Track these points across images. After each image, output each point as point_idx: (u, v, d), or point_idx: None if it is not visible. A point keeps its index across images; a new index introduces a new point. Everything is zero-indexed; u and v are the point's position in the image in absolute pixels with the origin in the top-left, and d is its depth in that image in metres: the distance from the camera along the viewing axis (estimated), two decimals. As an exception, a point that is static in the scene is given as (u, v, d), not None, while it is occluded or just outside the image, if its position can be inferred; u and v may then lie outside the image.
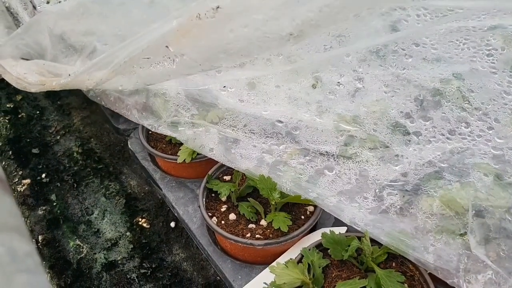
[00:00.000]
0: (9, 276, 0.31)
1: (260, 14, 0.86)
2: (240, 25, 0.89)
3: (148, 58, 1.06)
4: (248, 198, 1.12)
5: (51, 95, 2.06)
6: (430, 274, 0.90)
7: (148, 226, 1.40)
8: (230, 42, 0.93)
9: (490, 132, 1.04)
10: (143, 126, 1.35)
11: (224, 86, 1.22)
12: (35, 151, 1.75)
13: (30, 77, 1.39)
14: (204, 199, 1.15)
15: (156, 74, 1.10)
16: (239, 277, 1.07)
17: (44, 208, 1.51)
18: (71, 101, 2.01)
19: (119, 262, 1.30)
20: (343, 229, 1.08)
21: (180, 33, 0.96)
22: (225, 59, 0.96)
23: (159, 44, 1.03)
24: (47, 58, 1.58)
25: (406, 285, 0.89)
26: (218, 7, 0.87)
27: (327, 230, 1.00)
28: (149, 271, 1.26)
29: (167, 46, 1.00)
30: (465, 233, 0.90)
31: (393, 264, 0.96)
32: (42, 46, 1.60)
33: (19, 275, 0.31)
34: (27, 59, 1.51)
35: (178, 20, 0.96)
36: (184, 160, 1.24)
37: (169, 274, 1.25)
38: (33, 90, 1.41)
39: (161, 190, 1.36)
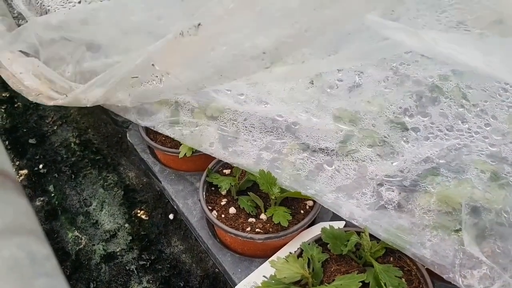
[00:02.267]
0: (29, 280, 0.32)
1: (237, 33, 0.89)
2: (220, 44, 0.92)
3: (136, 77, 1.08)
4: (248, 192, 1.13)
5: (47, 84, 2.04)
6: (427, 269, 0.92)
7: (147, 218, 1.41)
8: (211, 61, 0.95)
9: (488, 129, 1.05)
10: (142, 118, 1.35)
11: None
12: (32, 141, 1.75)
13: (26, 78, 1.36)
14: (204, 193, 1.16)
15: (148, 93, 1.12)
16: (239, 270, 1.09)
17: (42, 199, 1.51)
18: (67, 91, 2.00)
19: (118, 253, 1.31)
20: (341, 224, 1.09)
21: (166, 51, 0.99)
22: (207, 80, 0.98)
23: (146, 62, 1.05)
24: (40, 58, 1.55)
25: (403, 279, 0.91)
26: (199, 24, 0.91)
27: (326, 224, 1.01)
28: (148, 263, 1.28)
29: (153, 64, 1.03)
30: (460, 229, 0.92)
31: (391, 259, 0.97)
32: (35, 48, 1.57)
33: (38, 279, 0.32)
34: (26, 53, 1.48)
35: (164, 38, 0.99)
36: (185, 154, 1.25)
37: (168, 265, 1.26)
38: (30, 99, 1.38)
39: (161, 183, 1.36)
